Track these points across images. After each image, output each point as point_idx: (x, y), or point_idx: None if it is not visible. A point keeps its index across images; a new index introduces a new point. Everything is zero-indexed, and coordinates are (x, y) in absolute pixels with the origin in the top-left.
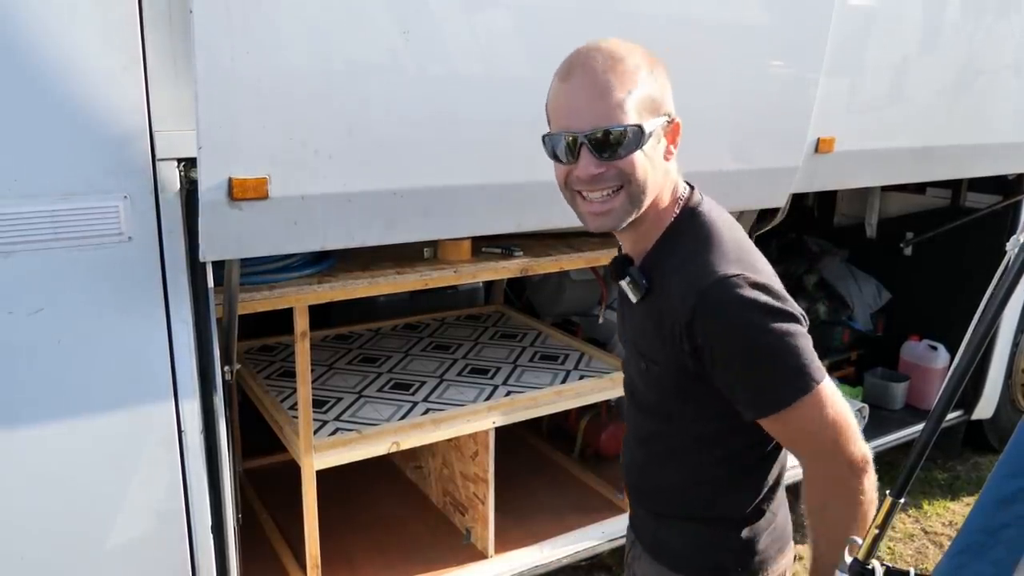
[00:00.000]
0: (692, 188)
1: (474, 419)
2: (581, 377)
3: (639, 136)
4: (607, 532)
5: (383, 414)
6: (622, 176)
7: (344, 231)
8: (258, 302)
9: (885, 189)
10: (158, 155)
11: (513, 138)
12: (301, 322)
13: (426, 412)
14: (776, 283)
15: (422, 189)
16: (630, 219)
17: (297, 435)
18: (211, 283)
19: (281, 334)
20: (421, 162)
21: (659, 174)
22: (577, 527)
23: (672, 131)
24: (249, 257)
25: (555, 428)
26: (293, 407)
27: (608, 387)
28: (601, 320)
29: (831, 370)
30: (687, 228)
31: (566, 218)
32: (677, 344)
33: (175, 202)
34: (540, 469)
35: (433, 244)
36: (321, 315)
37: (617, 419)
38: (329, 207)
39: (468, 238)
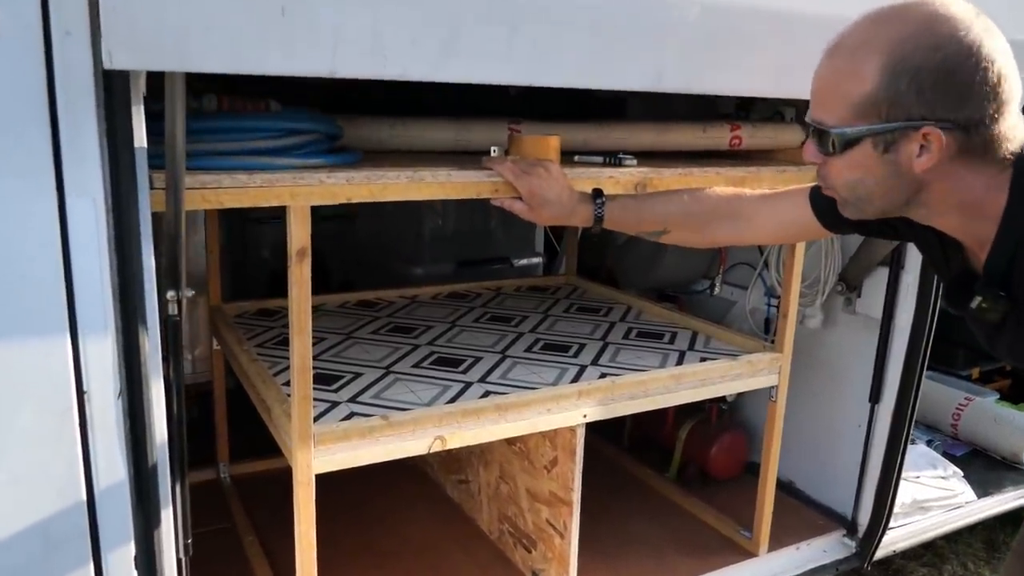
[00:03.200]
0: None
1: (558, 408)
2: (703, 360)
3: (844, 142)
4: None
5: (421, 396)
6: (826, 177)
7: (368, 41)
8: (227, 192)
9: None
10: None
11: None
12: (298, 233)
13: (485, 395)
14: None
15: None
16: (867, 217)
17: (289, 419)
18: (141, 133)
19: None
20: None
21: (885, 184)
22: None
23: (934, 139)
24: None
25: (641, 438)
26: (289, 383)
27: (745, 372)
28: (718, 291)
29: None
30: None
31: None
32: None
33: None
34: (625, 491)
35: (502, 146)
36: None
37: (733, 427)
38: None
39: (555, 135)
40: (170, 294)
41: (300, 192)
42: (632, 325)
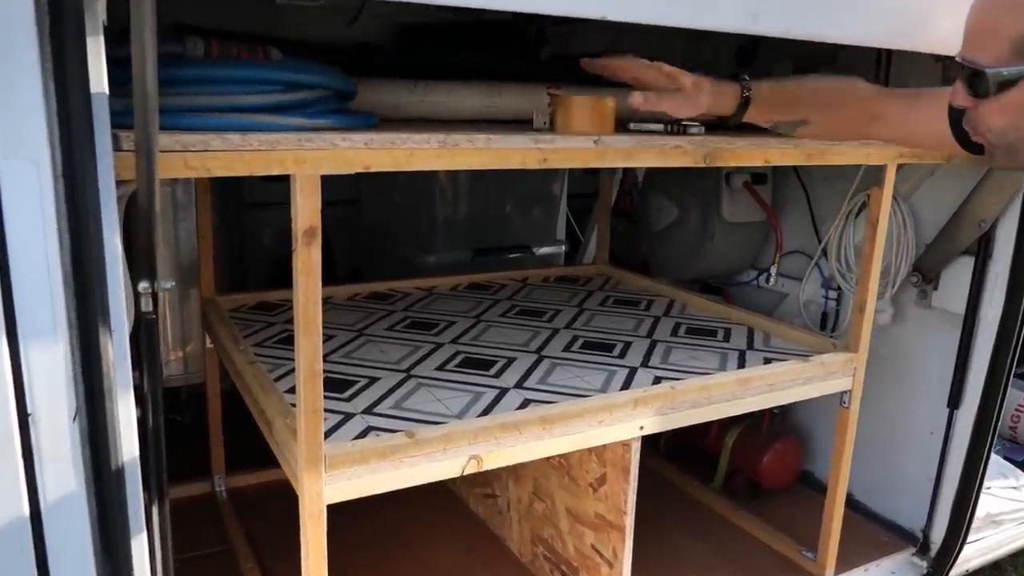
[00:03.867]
0: None
1: (611, 419)
2: (767, 361)
3: (1000, 82)
4: None
5: (450, 406)
6: (976, 123)
7: None
8: (215, 157)
9: None
10: None
11: None
12: (306, 209)
13: (525, 405)
14: None
15: None
16: (1019, 167)
17: (294, 436)
18: (101, 75)
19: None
20: None
21: None
22: None
23: None
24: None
25: (680, 445)
26: (293, 390)
27: (817, 376)
28: (772, 282)
29: None
30: None
31: None
32: None
33: None
34: (666, 502)
35: (543, 112)
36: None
37: (785, 432)
38: None
39: (611, 97)
40: (142, 285)
41: (307, 158)
42: (679, 320)
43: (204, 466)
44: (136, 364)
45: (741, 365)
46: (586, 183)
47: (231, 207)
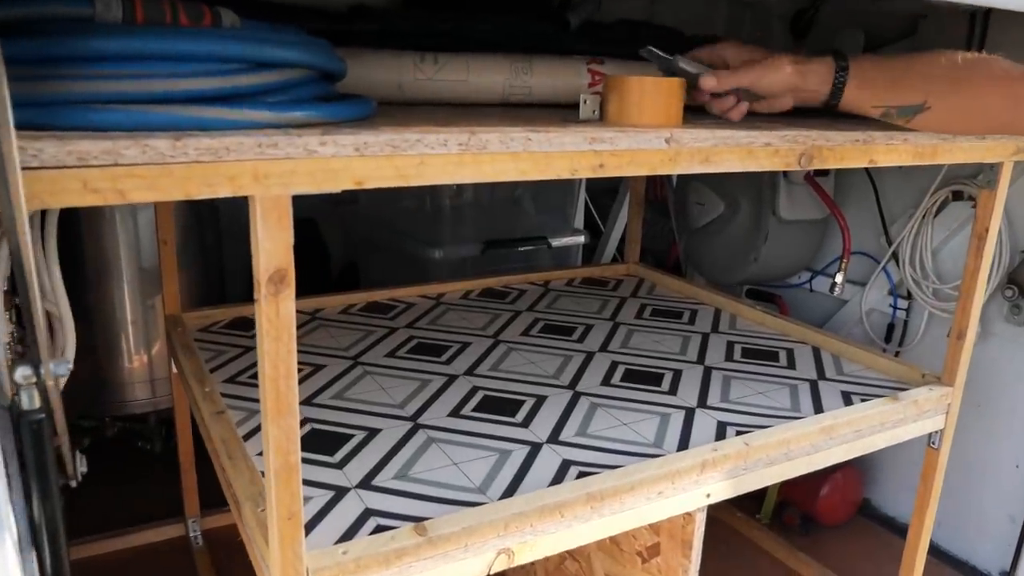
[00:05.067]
0: None
1: (673, 489)
2: (848, 397)
3: None
4: None
5: (472, 473)
6: None
7: None
8: (131, 174)
9: None
10: None
11: None
12: (273, 246)
13: (564, 469)
14: None
15: None
16: None
17: (264, 537)
18: None
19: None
20: None
21: None
22: None
23: None
24: None
25: None
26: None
27: (909, 416)
28: (839, 291)
29: None
30: None
31: None
32: None
33: None
34: (709, 538)
35: (591, 94)
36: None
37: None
38: None
39: (680, 78)
40: (21, 373)
41: (273, 172)
42: (732, 338)
43: (176, 504)
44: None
45: (816, 402)
46: None
47: (204, 200)
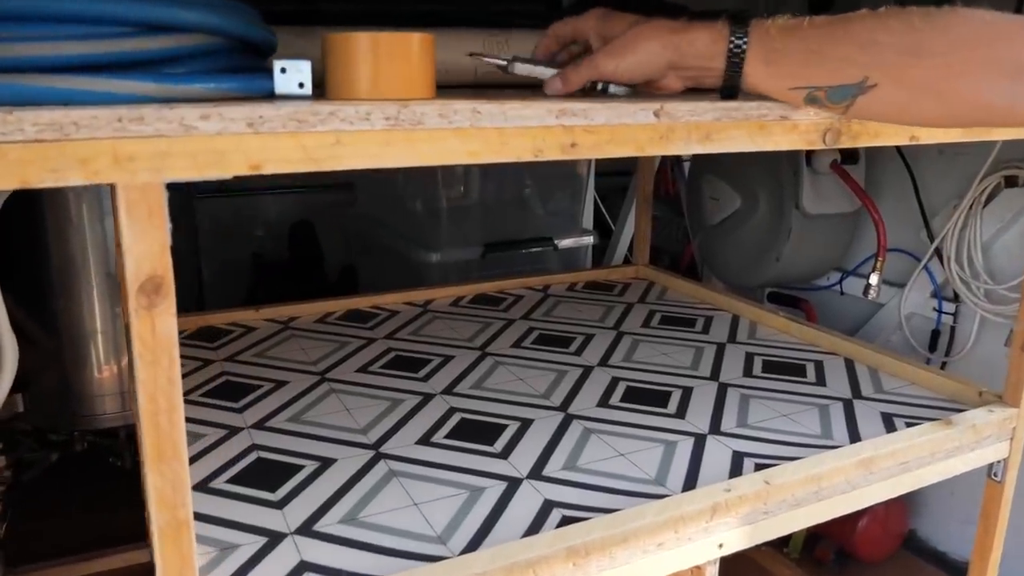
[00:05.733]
0: None
1: (677, 539)
2: (890, 421)
3: None
4: None
5: (433, 517)
6: None
7: None
8: None
9: None
10: None
11: None
12: (142, 246)
13: (545, 512)
14: None
15: None
16: None
17: None
18: None
19: (261, 303)
20: None
21: None
22: None
23: None
24: None
25: None
26: (226, 474)
27: (966, 445)
28: (874, 294)
29: None
30: None
31: None
32: None
33: None
34: (731, 573)
35: (307, 68)
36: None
37: None
38: None
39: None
40: None
41: (138, 153)
42: (751, 349)
43: (141, 529)
44: None
45: (852, 427)
46: (617, 159)
47: (177, 198)
